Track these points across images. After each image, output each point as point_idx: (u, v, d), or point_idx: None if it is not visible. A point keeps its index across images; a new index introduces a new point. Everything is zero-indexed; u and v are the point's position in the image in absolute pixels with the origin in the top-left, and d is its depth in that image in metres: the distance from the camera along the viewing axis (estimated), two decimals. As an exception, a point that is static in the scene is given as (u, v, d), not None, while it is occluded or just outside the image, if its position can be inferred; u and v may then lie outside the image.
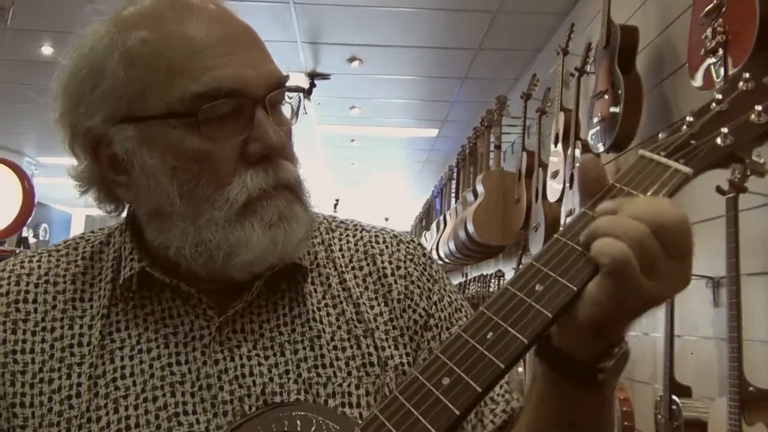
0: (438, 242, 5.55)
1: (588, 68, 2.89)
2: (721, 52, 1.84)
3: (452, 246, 4.76)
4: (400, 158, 8.02)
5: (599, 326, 0.56)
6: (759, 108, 0.62)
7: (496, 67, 4.72)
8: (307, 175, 0.76)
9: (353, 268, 0.82)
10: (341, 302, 0.79)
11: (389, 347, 0.77)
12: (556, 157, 3.13)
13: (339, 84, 5.12)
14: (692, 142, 0.62)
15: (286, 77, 0.74)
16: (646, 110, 2.43)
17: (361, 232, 0.86)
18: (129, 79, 0.70)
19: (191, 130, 0.69)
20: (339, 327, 0.77)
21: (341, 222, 0.88)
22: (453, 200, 5.63)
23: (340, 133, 6.80)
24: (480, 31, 4.12)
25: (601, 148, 2.56)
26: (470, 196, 4.50)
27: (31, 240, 7.62)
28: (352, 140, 7.14)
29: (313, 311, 0.77)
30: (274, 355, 0.74)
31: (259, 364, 0.73)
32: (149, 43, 0.70)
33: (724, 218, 1.78)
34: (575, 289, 0.55)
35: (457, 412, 0.51)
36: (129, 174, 0.72)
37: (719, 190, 1.78)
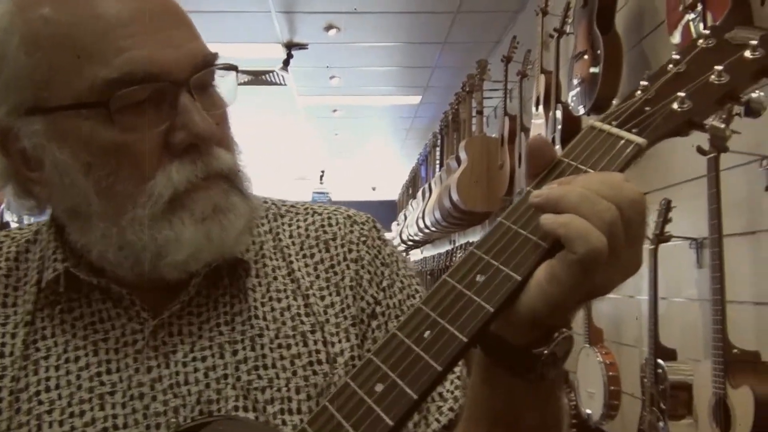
0: (424, 211, 5.50)
1: (567, 29, 2.82)
2: (700, 7, 1.78)
3: (438, 215, 4.72)
4: (384, 127, 7.94)
5: (540, 317, 0.50)
6: (719, 68, 0.55)
7: (476, 30, 4.63)
8: (244, 161, 0.70)
9: (304, 255, 0.76)
10: (287, 296, 0.73)
11: (340, 341, 0.72)
12: (538, 121, 3.07)
13: (317, 54, 5.02)
14: (646, 108, 0.56)
15: (215, 55, 0.67)
16: (626, 70, 2.37)
17: (312, 216, 0.80)
18: (32, 65, 0.62)
19: (104, 120, 0.62)
20: (284, 323, 0.71)
21: (292, 206, 0.82)
22: (438, 167, 5.57)
23: (322, 104, 6.70)
24: (458, -6, 4.03)
25: (581, 110, 2.51)
26: (454, 163, 4.44)
27: (13, 224, 7.51)
28: (334, 110, 7.04)
29: (255, 308, 0.71)
30: (212, 356, 0.68)
31: (196, 370, 0.68)
32: (53, 22, 0.62)
33: (706, 178, 1.74)
34: (519, 278, 0.50)
35: (391, 423, 0.46)
36: (42, 170, 0.66)
37: (700, 150, 1.74)
